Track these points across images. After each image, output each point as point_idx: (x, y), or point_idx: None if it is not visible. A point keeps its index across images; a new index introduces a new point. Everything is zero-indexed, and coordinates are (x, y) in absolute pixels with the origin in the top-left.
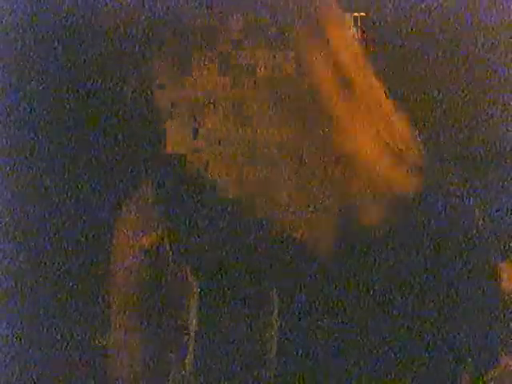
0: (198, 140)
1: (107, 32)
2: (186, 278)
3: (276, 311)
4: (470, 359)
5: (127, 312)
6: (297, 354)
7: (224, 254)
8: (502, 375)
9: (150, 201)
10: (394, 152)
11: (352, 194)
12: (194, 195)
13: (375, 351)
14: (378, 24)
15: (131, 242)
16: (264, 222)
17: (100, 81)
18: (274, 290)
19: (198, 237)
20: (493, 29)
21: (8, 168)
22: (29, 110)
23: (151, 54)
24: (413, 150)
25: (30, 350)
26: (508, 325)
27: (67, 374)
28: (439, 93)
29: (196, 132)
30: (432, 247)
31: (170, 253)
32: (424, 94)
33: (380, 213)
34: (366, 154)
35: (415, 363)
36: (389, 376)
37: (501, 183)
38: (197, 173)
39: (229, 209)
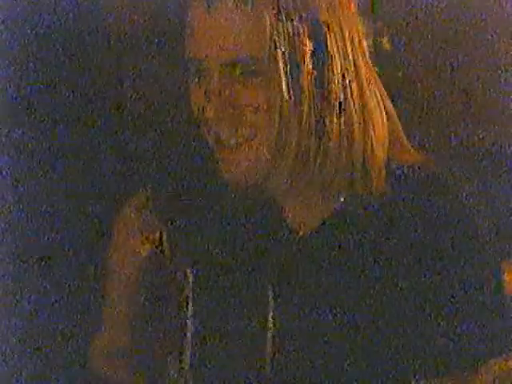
0: None
1: (108, 31)
2: (184, 278)
3: (272, 309)
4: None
5: (124, 312)
6: (295, 352)
7: (221, 252)
8: (504, 373)
9: (149, 202)
10: None
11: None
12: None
13: (375, 350)
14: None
15: (130, 242)
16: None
17: (100, 80)
18: (270, 288)
19: (197, 236)
20: (493, 29)
21: (7, 167)
22: (29, 109)
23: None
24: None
25: (27, 351)
26: (510, 324)
27: (64, 375)
28: (439, 92)
29: None
30: (432, 247)
31: (169, 253)
32: (424, 94)
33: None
34: None
35: (416, 363)
36: (390, 375)
37: (501, 183)
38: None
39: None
